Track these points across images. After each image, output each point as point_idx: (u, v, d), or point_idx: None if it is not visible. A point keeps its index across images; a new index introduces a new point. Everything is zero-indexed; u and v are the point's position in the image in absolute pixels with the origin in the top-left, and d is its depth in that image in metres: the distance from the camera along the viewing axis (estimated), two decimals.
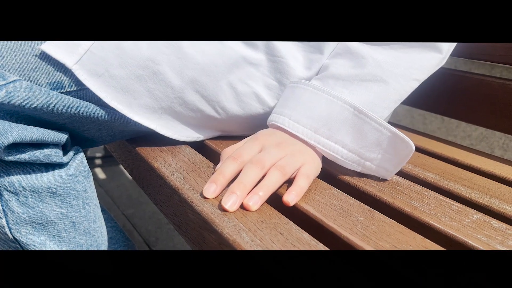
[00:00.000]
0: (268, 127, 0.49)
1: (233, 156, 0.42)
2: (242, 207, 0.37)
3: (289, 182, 0.42)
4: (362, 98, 0.46)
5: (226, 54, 0.48)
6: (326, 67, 0.50)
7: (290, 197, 0.39)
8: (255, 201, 0.37)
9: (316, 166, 0.44)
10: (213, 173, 0.43)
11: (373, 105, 0.47)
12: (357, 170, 0.46)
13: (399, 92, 0.48)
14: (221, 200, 0.37)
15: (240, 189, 0.38)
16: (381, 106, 0.47)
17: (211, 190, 0.39)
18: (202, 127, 0.53)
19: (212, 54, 0.47)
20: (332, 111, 0.44)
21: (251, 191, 0.38)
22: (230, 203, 0.37)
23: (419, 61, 0.49)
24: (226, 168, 0.40)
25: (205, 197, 0.39)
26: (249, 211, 0.37)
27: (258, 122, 0.54)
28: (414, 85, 0.50)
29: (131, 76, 0.45)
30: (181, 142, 0.53)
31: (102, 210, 0.54)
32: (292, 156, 0.42)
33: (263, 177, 0.40)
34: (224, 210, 0.37)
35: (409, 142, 0.43)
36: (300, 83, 0.47)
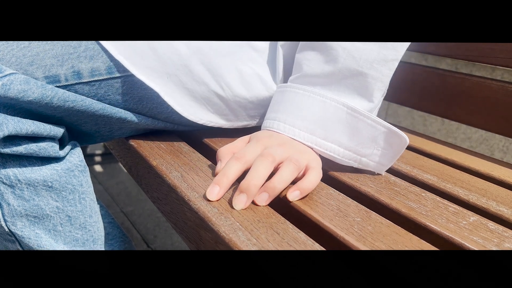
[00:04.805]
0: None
1: (236, 156, 0.40)
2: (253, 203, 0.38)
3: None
4: (347, 97, 0.46)
5: None
6: (299, 64, 0.49)
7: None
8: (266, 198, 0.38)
9: (319, 163, 0.45)
10: (214, 174, 0.43)
11: None
12: (354, 166, 0.47)
13: (380, 79, 0.46)
14: (230, 200, 0.37)
15: (250, 190, 0.37)
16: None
17: (215, 192, 0.38)
18: (206, 106, 0.52)
19: None
20: (326, 112, 0.44)
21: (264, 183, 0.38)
22: (240, 203, 0.37)
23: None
24: (229, 169, 0.39)
25: (208, 200, 0.38)
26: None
27: (263, 110, 0.54)
28: (393, 66, 0.47)
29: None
30: (179, 139, 0.53)
31: (100, 206, 0.54)
32: (299, 153, 0.42)
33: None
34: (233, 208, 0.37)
35: (403, 135, 0.44)
36: (289, 87, 0.47)
